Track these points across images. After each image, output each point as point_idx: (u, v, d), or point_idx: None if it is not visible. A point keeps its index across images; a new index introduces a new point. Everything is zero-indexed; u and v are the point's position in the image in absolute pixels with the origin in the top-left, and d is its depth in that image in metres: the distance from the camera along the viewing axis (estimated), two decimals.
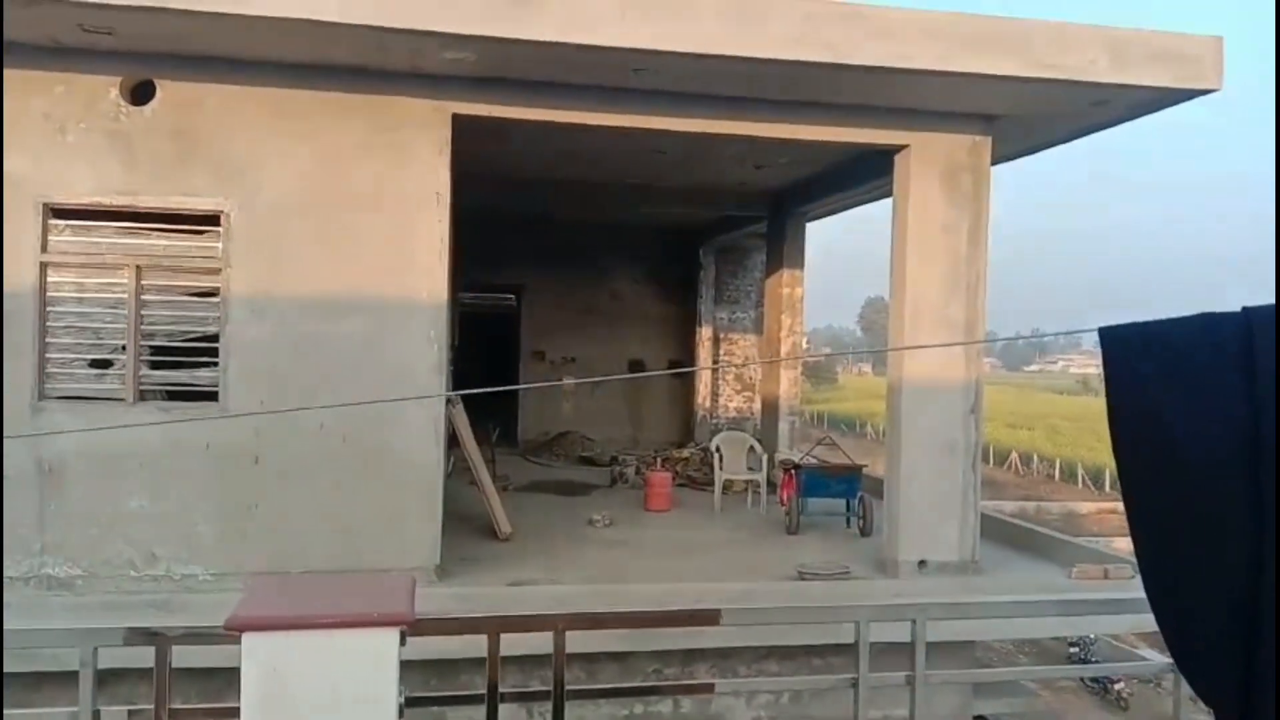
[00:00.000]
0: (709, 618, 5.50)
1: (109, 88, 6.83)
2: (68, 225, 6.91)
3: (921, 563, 7.97)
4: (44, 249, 6.80)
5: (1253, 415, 2.05)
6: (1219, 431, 2.09)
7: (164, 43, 6.58)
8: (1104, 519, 25.41)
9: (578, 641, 5.14)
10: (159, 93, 6.89)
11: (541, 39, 6.28)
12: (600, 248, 16.15)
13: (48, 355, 6.87)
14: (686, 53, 6.49)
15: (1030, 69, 6.92)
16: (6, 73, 6.53)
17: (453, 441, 8.88)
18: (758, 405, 16.16)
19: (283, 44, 6.56)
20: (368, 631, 3.18)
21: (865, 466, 10.09)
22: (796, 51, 6.59)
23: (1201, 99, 7.39)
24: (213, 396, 7.02)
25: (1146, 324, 2.22)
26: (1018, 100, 7.53)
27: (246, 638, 3.10)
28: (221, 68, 6.87)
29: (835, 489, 9.70)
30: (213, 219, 7.00)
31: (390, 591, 3.46)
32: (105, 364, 7.07)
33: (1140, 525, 2.30)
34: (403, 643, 3.23)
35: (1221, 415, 2.08)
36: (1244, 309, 2.14)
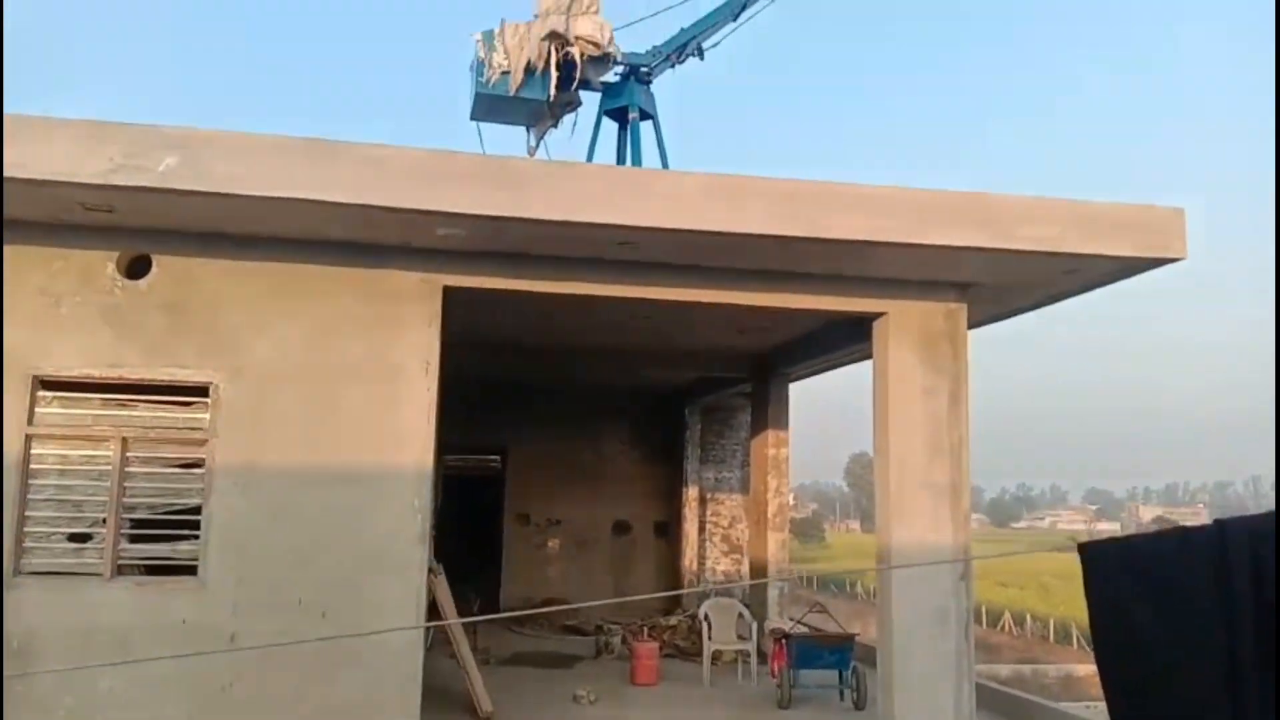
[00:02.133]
0: None
1: (106, 262, 6.97)
2: (55, 397, 6.92)
3: None
4: (30, 421, 6.79)
5: (1228, 638, 2.05)
6: (1196, 655, 2.09)
7: (162, 220, 6.77)
8: None
9: None
10: (155, 267, 7.04)
11: (532, 217, 6.50)
12: (585, 409, 16.23)
13: (26, 529, 6.75)
14: (671, 228, 6.72)
15: (1000, 241, 7.18)
16: (5, 248, 6.68)
17: (432, 611, 8.67)
18: (746, 567, 15.92)
19: (277, 221, 6.76)
20: None
21: (857, 635, 9.87)
22: (774, 226, 6.84)
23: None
24: (192, 571, 6.87)
25: (1125, 541, 2.25)
26: (990, 270, 7.78)
27: None
28: (217, 243, 7.05)
29: (828, 660, 9.46)
30: (201, 390, 7.03)
31: None
32: (84, 537, 6.94)
33: None
34: None
35: (1198, 640, 2.09)
36: (1216, 521, 2.17)
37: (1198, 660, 2.11)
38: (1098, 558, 2.25)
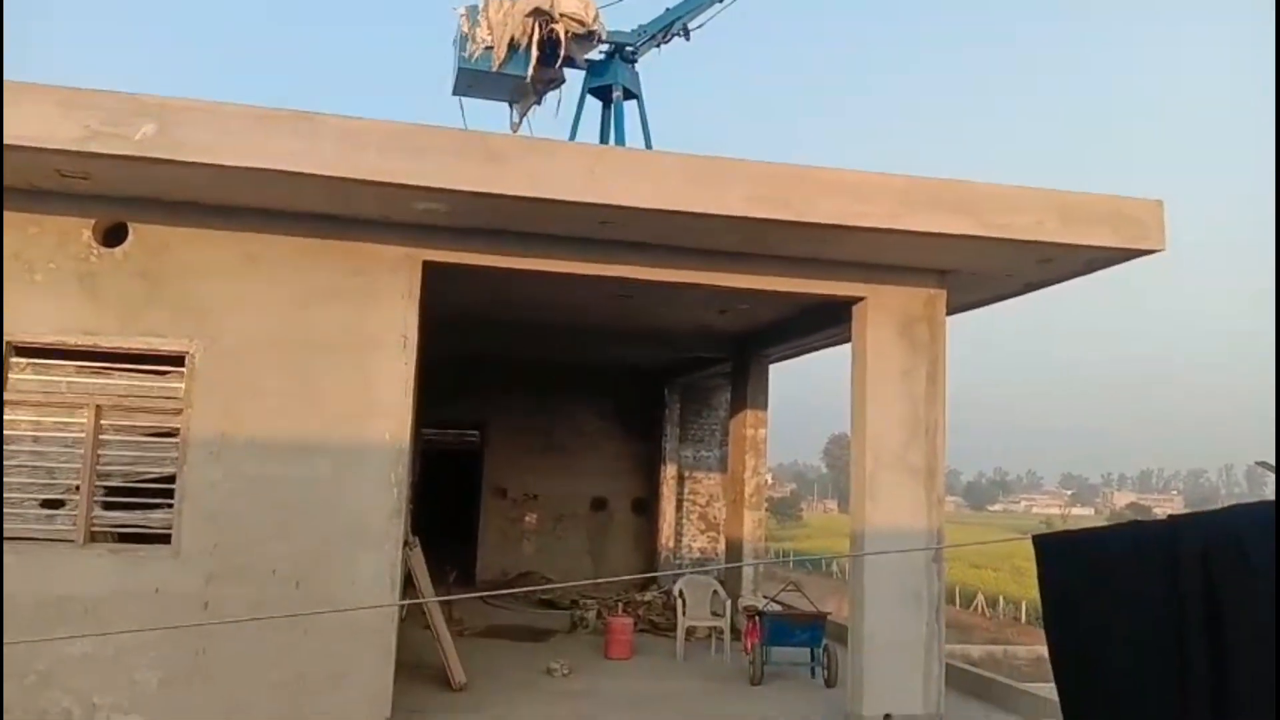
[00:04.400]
0: None
1: (81, 229, 6.92)
2: (29, 363, 6.88)
3: (887, 716, 7.80)
4: (4, 387, 6.75)
5: (1177, 629, 2.10)
6: (1145, 643, 2.13)
7: (139, 188, 6.72)
8: None
9: None
10: (131, 235, 7.00)
11: (513, 193, 6.49)
12: (565, 385, 16.25)
13: None
14: (651, 209, 6.72)
15: (980, 228, 7.22)
16: None
17: (408, 583, 8.70)
18: (722, 545, 16.02)
19: (255, 191, 6.72)
20: None
21: (830, 614, 9.97)
22: (755, 209, 6.85)
23: None
24: (165, 539, 6.87)
25: (1078, 534, 2.29)
26: (970, 257, 7.82)
27: None
28: (194, 212, 7.01)
29: (799, 637, 9.55)
30: (177, 359, 7.01)
31: None
32: (57, 504, 6.92)
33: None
34: None
35: (1147, 628, 2.13)
36: (1170, 517, 2.21)
37: (1146, 654, 2.16)
38: (1051, 550, 2.30)
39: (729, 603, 10.98)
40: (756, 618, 9.65)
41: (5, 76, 5.94)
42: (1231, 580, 2.05)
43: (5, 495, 6.76)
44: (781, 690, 9.12)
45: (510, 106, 17.85)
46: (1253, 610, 2.02)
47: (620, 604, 12.57)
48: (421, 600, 8.50)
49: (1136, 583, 2.17)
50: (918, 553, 8.05)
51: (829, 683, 9.28)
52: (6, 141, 5.87)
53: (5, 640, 6.38)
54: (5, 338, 6.76)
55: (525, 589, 13.49)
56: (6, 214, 6.78)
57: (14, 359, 6.83)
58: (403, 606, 8.29)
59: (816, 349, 13.07)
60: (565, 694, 8.73)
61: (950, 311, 8.67)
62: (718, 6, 18.32)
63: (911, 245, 7.50)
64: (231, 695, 6.77)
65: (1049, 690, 8.63)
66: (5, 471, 6.76)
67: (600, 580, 14.88)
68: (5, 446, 6.77)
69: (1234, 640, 2.04)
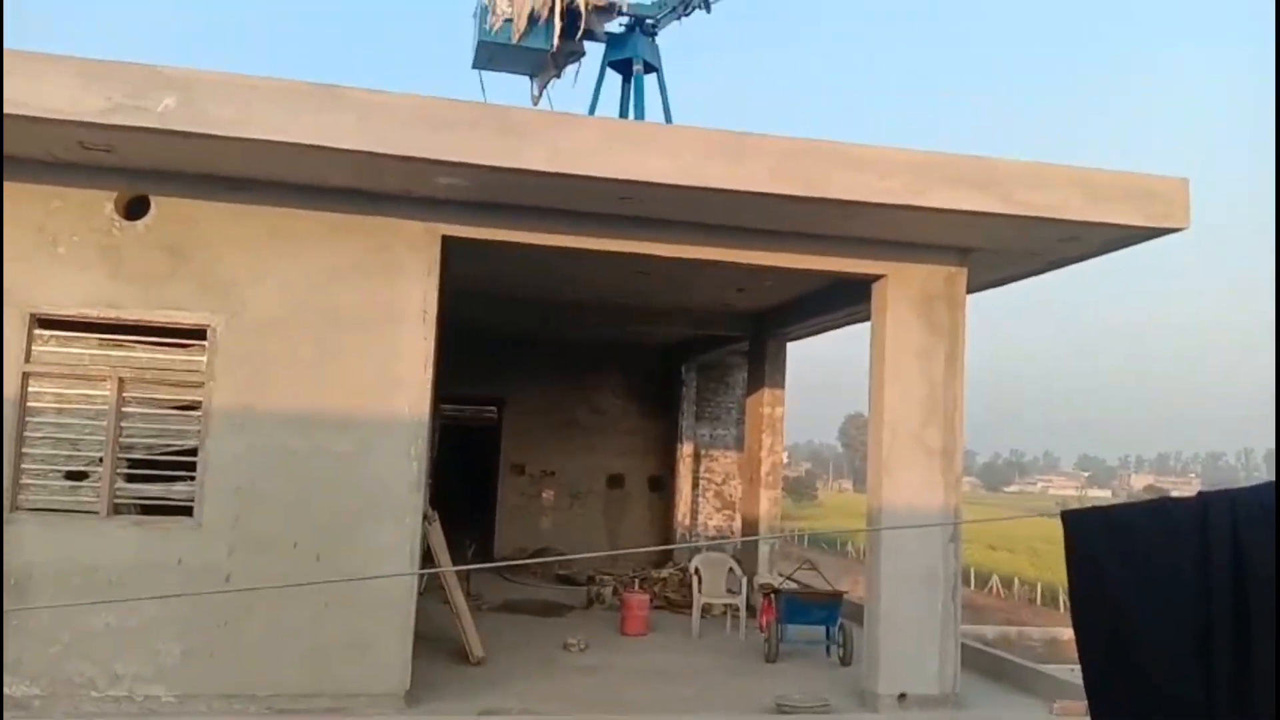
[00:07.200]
0: None
1: (104, 202, 6.95)
2: (53, 335, 6.93)
3: (902, 696, 7.82)
4: (28, 359, 6.81)
5: (1205, 604, 2.09)
6: (1173, 619, 2.12)
7: (161, 161, 6.73)
8: None
9: None
10: (153, 208, 7.02)
11: (533, 168, 6.47)
12: (583, 362, 16.26)
13: (23, 466, 6.80)
14: (670, 184, 6.69)
15: (1003, 206, 7.15)
16: (5, 185, 6.65)
17: (426, 557, 8.76)
18: (738, 524, 16.05)
19: (279, 166, 6.73)
20: None
21: (845, 593, 9.99)
22: (774, 185, 6.80)
23: None
24: (188, 511, 6.93)
25: (1108, 510, 2.28)
26: (992, 235, 7.76)
27: None
28: (217, 186, 7.03)
29: (815, 616, 9.58)
30: (199, 333, 7.04)
31: None
32: (80, 475, 6.99)
33: (1096, 701, 2.31)
34: None
35: (1176, 604, 2.12)
36: (1200, 494, 2.20)
37: (1173, 630, 2.15)
38: (1080, 525, 2.29)
39: (745, 580, 11.01)
40: (772, 595, 9.68)
41: (28, 47, 5.96)
42: (1260, 553, 2.04)
43: (31, 467, 6.83)
44: (797, 668, 9.15)
45: (530, 79, 17.80)
46: None
47: (636, 580, 12.63)
48: (440, 570, 8.56)
49: (1166, 558, 2.16)
50: (935, 533, 8.04)
51: (844, 661, 9.30)
52: (30, 113, 5.90)
53: (31, 607, 6.47)
54: (30, 309, 6.81)
55: (542, 560, 13.55)
56: (31, 186, 6.81)
57: (38, 331, 6.88)
58: (422, 579, 8.36)
59: (835, 327, 13.01)
60: (581, 669, 8.80)
61: (970, 290, 8.61)
62: None
63: (932, 222, 7.44)
64: (253, 667, 6.84)
65: (1064, 671, 8.57)
66: (30, 443, 6.84)
67: (617, 553, 14.93)
68: (30, 419, 6.84)
69: (1261, 612, 2.03)
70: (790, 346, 13.80)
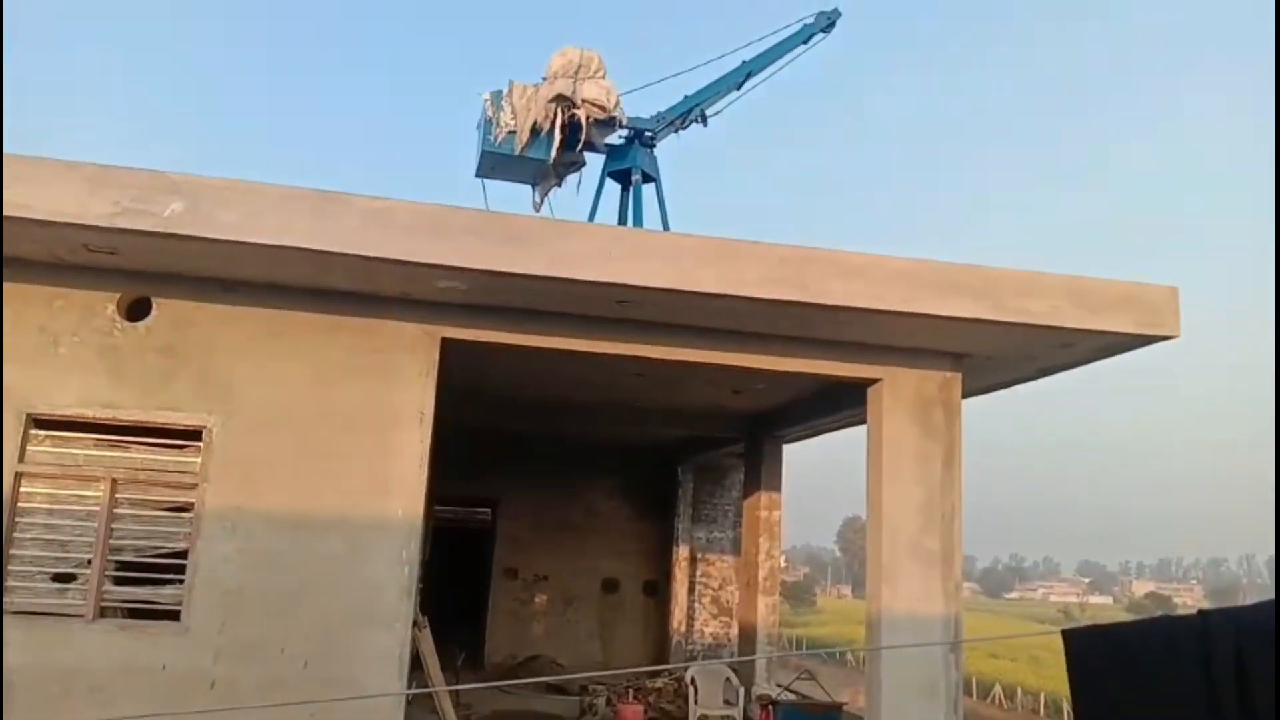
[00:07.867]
0: None
1: (106, 304, 7.01)
2: (48, 435, 6.91)
3: None
4: (21, 458, 6.78)
5: None
6: None
7: (164, 263, 6.82)
8: None
9: None
10: (154, 310, 7.08)
11: (532, 273, 6.57)
12: (577, 463, 16.19)
13: (10, 568, 6.70)
14: (667, 289, 6.78)
15: (996, 313, 7.23)
16: (5, 286, 6.73)
17: (416, 665, 8.56)
18: (735, 631, 15.74)
19: (279, 268, 6.82)
20: None
21: (845, 704, 9.76)
22: (770, 291, 6.90)
23: None
24: (175, 615, 6.81)
25: (1109, 629, 2.25)
26: (985, 341, 7.83)
27: None
28: (216, 287, 7.11)
29: None
30: (194, 434, 7.03)
31: None
32: (68, 578, 6.88)
33: None
34: None
35: None
36: (1200, 613, 2.18)
37: None
38: (1081, 643, 2.26)
39: (742, 691, 10.75)
40: (770, 707, 9.45)
41: (34, 151, 6.11)
42: (1265, 678, 2.01)
43: (17, 569, 6.73)
44: None
45: (532, 188, 18.22)
46: None
47: (630, 690, 12.32)
48: (430, 690, 8.36)
49: (1169, 679, 2.13)
50: (935, 640, 7.90)
51: None
52: (37, 216, 6.00)
53: (11, 716, 6.29)
54: (26, 409, 6.80)
55: (533, 680, 13.23)
56: (34, 287, 6.89)
57: (33, 431, 6.86)
58: (410, 687, 8.14)
59: (831, 430, 13.02)
60: None
61: (966, 395, 8.65)
62: (735, 94, 18.78)
63: (926, 327, 7.52)
64: None
65: None
66: (18, 544, 6.75)
67: (610, 671, 14.59)
68: (20, 519, 6.77)
69: None
70: (786, 448, 13.77)
